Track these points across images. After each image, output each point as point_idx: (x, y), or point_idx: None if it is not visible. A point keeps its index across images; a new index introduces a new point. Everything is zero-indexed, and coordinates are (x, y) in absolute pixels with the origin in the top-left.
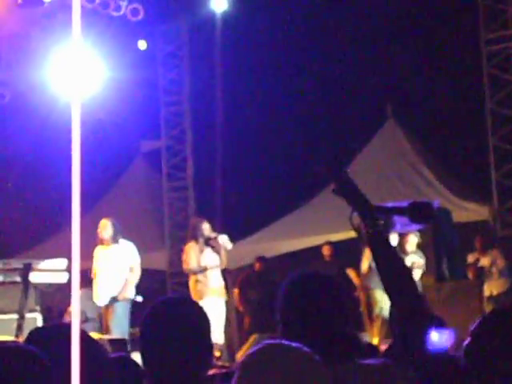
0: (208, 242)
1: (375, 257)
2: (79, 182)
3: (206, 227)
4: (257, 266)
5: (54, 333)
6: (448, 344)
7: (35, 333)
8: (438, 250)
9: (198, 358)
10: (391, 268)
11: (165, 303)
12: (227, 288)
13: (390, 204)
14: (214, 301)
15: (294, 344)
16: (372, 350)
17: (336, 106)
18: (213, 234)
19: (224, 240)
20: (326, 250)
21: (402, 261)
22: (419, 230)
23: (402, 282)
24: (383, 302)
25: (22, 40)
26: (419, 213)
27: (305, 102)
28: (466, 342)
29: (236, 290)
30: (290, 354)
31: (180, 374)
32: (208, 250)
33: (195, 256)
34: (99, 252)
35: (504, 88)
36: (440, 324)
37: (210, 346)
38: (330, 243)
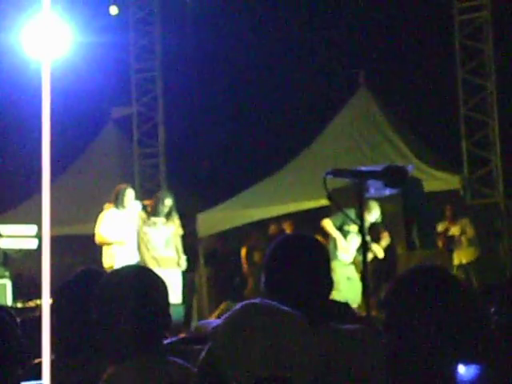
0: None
1: None
2: (49, 148)
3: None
4: (271, 229)
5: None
6: (475, 377)
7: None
8: (409, 219)
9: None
10: None
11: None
12: (196, 257)
13: (364, 168)
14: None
15: (275, 304)
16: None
17: (309, 72)
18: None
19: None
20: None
21: None
22: (392, 196)
23: None
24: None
25: None
26: (393, 177)
27: (278, 69)
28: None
29: (243, 250)
30: (273, 313)
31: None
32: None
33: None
34: None
35: (476, 57)
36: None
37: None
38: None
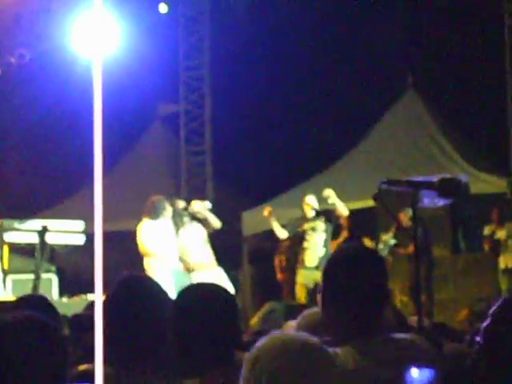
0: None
1: None
2: (101, 144)
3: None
4: None
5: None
6: (428, 381)
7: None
8: (455, 221)
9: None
10: None
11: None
12: (240, 256)
13: (418, 178)
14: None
15: (301, 336)
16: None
17: (356, 74)
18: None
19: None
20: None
21: None
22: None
23: None
24: None
25: (42, 0)
26: (447, 188)
27: (326, 71)
28: (486, 323)
29: (276, 260)
30: (296, 348)
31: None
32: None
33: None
34: None
35: None
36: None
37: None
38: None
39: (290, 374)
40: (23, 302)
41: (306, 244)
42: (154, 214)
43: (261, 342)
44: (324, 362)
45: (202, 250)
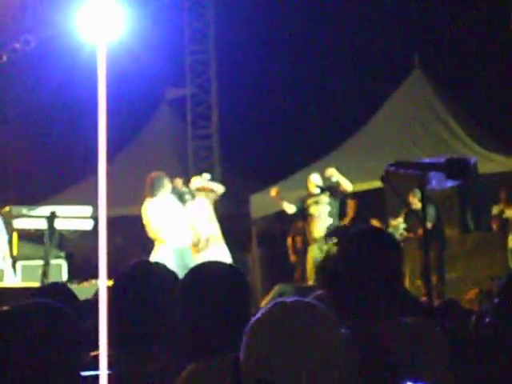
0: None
1: None
2: (105, 129)
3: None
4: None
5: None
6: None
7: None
8: (463, 201)
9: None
10: None
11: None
12: (249, 239)
13: (426, 160)
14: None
15: (305, 301)
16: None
17: (363, 55)
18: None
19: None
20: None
21: None
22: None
23: None
24: None
25: None
26: (455, 169)
27: (332, 53)
28: (496, 301)
29: (289, 240)
30: (300, 314)
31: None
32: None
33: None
34: None
35: None
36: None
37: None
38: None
39: (293, 341)
40: (38, 290)
41: (310, 218)
42: (153, 190)
43: (263, 310)
44: (330, 326)
45: (207, 226)
